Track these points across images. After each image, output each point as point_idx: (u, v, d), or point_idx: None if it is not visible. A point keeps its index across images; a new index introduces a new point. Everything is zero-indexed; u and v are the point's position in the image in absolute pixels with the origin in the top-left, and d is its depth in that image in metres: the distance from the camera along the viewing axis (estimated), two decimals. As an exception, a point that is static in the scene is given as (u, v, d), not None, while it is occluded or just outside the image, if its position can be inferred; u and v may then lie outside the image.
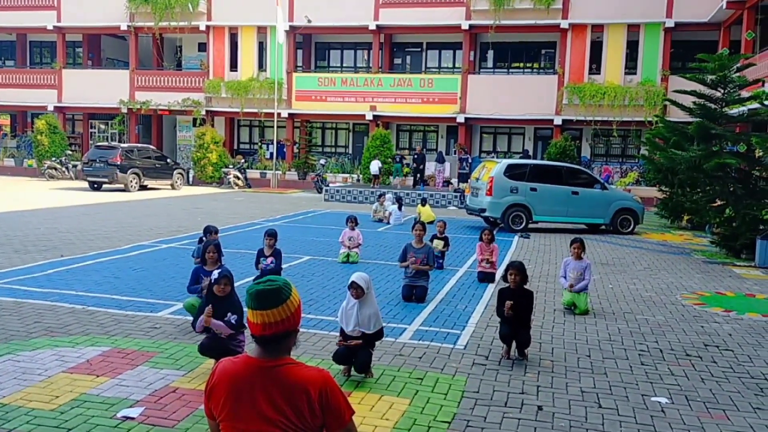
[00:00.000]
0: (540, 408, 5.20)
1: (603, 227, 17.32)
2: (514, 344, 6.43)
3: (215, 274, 5.84)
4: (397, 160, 27.04)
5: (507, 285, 6.56)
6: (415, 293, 8.67)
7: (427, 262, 8.85)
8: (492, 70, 30.60)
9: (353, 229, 11.52)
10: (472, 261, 11.98)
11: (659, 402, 5.43)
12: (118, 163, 24.68)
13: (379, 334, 5.87)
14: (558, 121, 26.84)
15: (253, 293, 2.39)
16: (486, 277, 10.12)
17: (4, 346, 6.23)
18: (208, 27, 30.45)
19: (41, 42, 35.86)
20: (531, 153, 28.78)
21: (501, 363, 6.27)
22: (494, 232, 10.92)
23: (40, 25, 32.14)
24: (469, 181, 21.18)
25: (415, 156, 26.99)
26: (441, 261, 10.98)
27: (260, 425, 2.31)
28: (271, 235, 8.78)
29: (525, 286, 6.54)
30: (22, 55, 35.93)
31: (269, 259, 8.65)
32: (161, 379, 5.52)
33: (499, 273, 10.11)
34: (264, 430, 2.31)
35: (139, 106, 31.21)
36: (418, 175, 26.60)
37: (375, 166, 26.37)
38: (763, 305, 9.26)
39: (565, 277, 8.52)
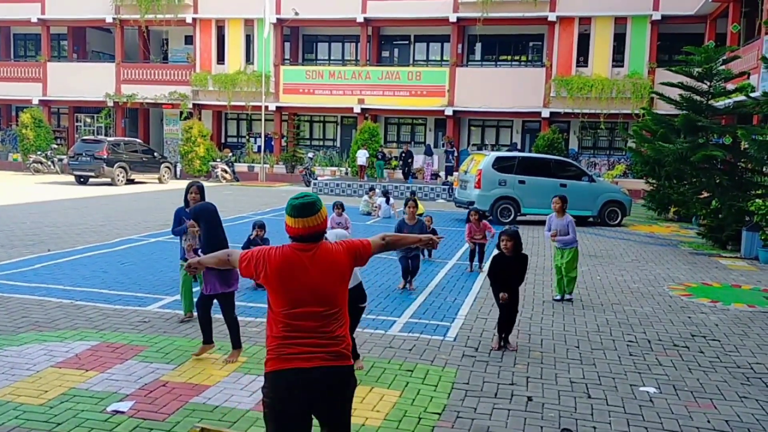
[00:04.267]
0: (530, 399, 5.24)
1: (591, 219, 17.41)
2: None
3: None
4: (380, 157, 26.88)
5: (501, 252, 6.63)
6: (411, 263, 8.90)
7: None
8: (480, 62, 30.59)
9: (340, 214, 11.40)
10: (461, 253, 12.03)
11: (647, 392, 5.48)
12: (105, 156, 24.47)
13: (360, 295, 5.70)
14: (546, 113, 26.90)
15: (297, 206, 3.15)
16: (477, 248, 10.44)
17: (-8, 341, 6.19)
18: (194, 20, 30.22)
19: (25, 35, 35.44)
20: (519, 146, 28.83)
21: (491, 354, 6.30)
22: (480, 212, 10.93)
23: (24, 18, 31.77)
24: (456, 173, 21.21)
25: (403, 153, 26.94)
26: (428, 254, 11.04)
27: (317, 291, 3.13)
28: (261, 226, 8.82)
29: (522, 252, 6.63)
30: (6, 48, 35.51)
31: None
32: (151, 373, 5.51)
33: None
34: (323, 290, 3.15)
35: (125, 100, 30.96)
36: (407, 169, 26.60)
37: (362, 156, 26.35)
38: (748, 296, 9.35)
39: (548, 231, 8.60)
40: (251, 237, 8.79)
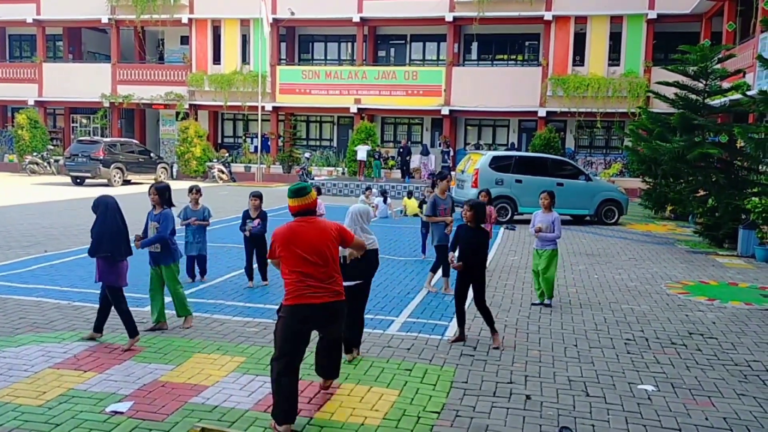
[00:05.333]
0: (528, 397, 5.25)
1: (588, 218, 17.44)
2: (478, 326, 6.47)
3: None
4: (376, 157, 26.90)
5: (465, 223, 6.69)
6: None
7: (452, 211, 9.17)
8: (476, 62, 30.62)
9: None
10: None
11: (646, 390, 5.49)
12: (101, 157, 24.45)
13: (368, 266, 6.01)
14: (542, 113, 26.92)
15: (294, 189, 4.65)
16: None
17: (-11, 342, 6.18)
18: (190, 20, 30.17)
19: (21, 35, 35.33)
20: (516, 145, 28.84)
21: (489, 353, 6.30)
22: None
23: (20, 18, 31.68)
24: (453, 173, 21.22)
25: (401, 149, 27.01)
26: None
27: (315, 248, 4.53)
28: (257, 196, 8.91)
29: (482, 226, 6.70)
30: (2, 48, 35.40)
31: (256, 222, 8.70)
32: (149, 373, 5.50)
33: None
34: (318, 247, 4.55)
35: (121, 100, 30.90)
36: (405, 167, 26.62)
37: (363, 151, 26.31)
38: (745, 294, 9.38)
39: (533, 228, 8.36)
40: (247, 209, 8.90)
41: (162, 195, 6.93)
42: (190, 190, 9.11)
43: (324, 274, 4.53)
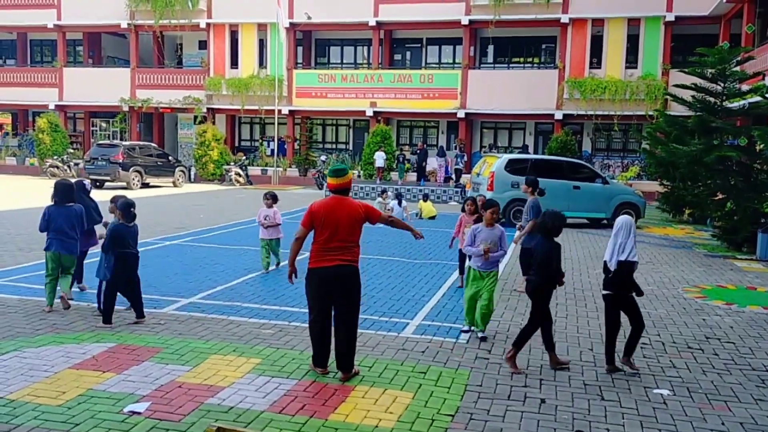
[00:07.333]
0: (543, 401, 5.24)
1: (605, 221, 17.34)
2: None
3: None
4: (401, 160, 27.01)
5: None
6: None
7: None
8: (492, 65, 30.57)
9: (270, 206, 10.26)
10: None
11: (661, 394, 5.46)
12: (120, 161, 24.72)
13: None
14: (559, 115, 26.82)
15: (333, 170, 5.59)
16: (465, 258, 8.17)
17: (11, 342, 6.28)
18: (208, 24, 30.45)
19: (42, 40, 35.84)
20: (531, 148, 28.76)
21: (503, 357, 6.29)
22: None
23: (41, 24, 32.13)
24: (467, 176, 21.22)
25: (417, 151, 27.06)
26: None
27: (343, 222, 5.43)
28: (118, 205, 7.35)
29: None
30: (23, 53, 35.94)
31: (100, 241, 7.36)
32: (167, 374, 5.56)
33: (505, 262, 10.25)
34: (345, 224, 5.43)
35: (140, 104, 31.23)
36: (420, 170, 26.65)
37: (380, 158, 26.43)
38: (764, 298, 9.29)
39: (472, 246, 6.79)
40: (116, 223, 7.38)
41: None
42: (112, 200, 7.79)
43: (342, 247, 5.43)
